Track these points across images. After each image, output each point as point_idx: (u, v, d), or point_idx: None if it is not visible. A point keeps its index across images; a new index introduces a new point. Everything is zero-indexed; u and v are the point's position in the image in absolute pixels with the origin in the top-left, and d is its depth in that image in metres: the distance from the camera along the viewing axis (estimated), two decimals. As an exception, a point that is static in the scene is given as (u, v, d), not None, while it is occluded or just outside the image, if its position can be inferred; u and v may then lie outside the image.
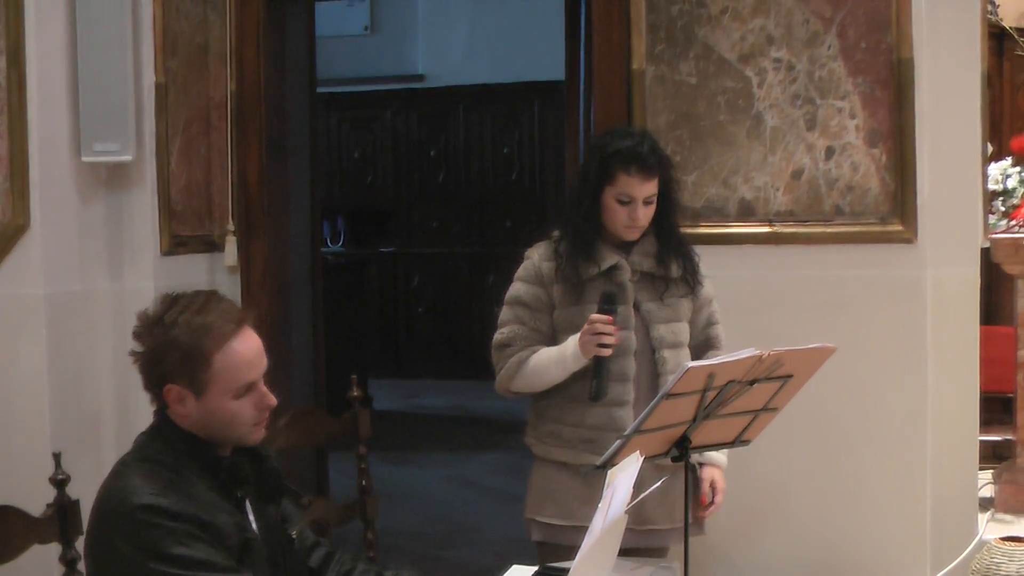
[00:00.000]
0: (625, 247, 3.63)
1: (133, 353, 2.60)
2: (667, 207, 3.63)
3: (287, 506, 2.81)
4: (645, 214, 3.55)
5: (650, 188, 3.53)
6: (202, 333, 2.53)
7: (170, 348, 2.52)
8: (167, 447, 2.56)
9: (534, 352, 3.58)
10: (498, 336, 3.65)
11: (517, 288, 3.66)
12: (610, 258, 3.58)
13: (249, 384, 2.58)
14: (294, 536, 2.78)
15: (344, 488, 6.09)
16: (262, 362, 2.62)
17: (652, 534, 3.61)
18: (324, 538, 2.99)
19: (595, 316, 3.43)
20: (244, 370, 2.57)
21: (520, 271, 3.68)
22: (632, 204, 3.52)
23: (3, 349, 4.48)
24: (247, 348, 2.58)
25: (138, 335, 2.58)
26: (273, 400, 2.63)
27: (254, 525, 2.66)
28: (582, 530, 3.47)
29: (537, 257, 3.66)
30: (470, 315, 11.71)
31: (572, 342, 3.50)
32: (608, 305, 3.46)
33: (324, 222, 10.72)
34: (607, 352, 3.43)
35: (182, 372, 2.52)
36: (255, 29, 4.98)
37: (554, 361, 3.55)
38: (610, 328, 3.42)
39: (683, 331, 3.69)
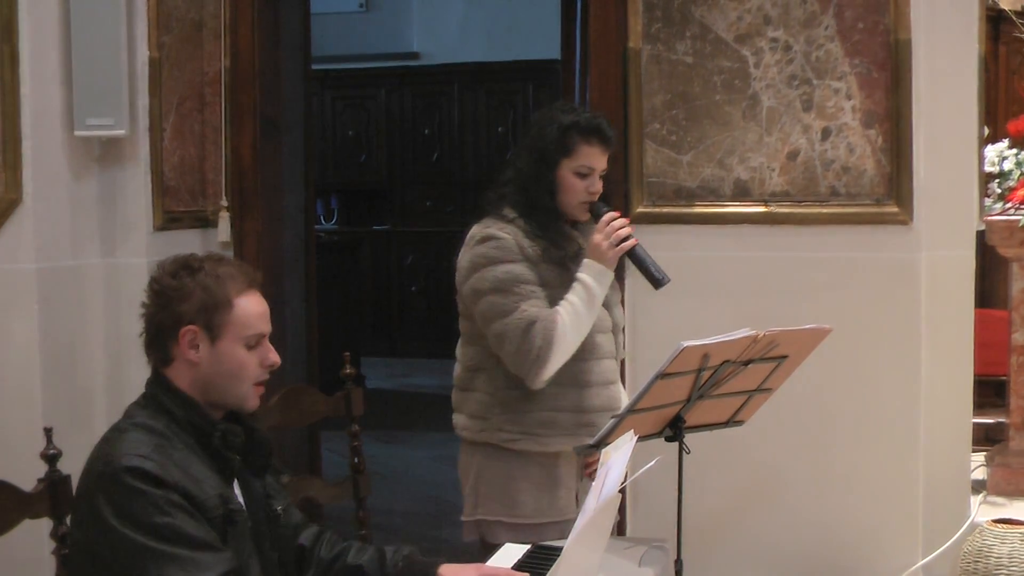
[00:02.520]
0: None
1: (145, 305, 2.64)
2: (606, 188, 3.54)
3: (271, 482, 2.81)
4: (600, 188, 3.48)
5: (605, 161, 3.48)
6: (225, 279, 2.62)
7: (196, 289, 2.59)
8: (159, 413, 2.58)
9: (556, 314, 3.35)
10: (517, 320, 3.34)
11: (508, 269, 3.38)
12: (577, 236, 3.52)
13: (260, 335, 2.66)
14: (280, 511, 2.78)
15: (336, 466, 6.10)
16: (269, 321, 2.71)
17: None
18: (311, 518, 2.98)
19: (607, 216, 3.38)
20: (258, 321, 2.66)
21: (494, 252, 3.40)
22: (591, 176, 3.45)
23: (-5, 324, 4.47)
24: (260, 301, 2.70)
25: (157, 282, 2.63)
26: (277, 359, 2.70)
27: (240, 498, 2.66)
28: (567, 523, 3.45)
29: (510, 236, 3.42)
30: (463, 295, 11.68)
31: (585, 274, 3.37)
32: (605, 207, 3.43)
33: (317, 200, 10.69)
34: (634, 241, 3.37)
35: (202, 314, 2.59)
36: (249, 5, 4.97)
37: (583, 302, 3.36)
38: (623, 219, 3.39)
39: (622, 313, 3.69)
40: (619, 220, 3.39)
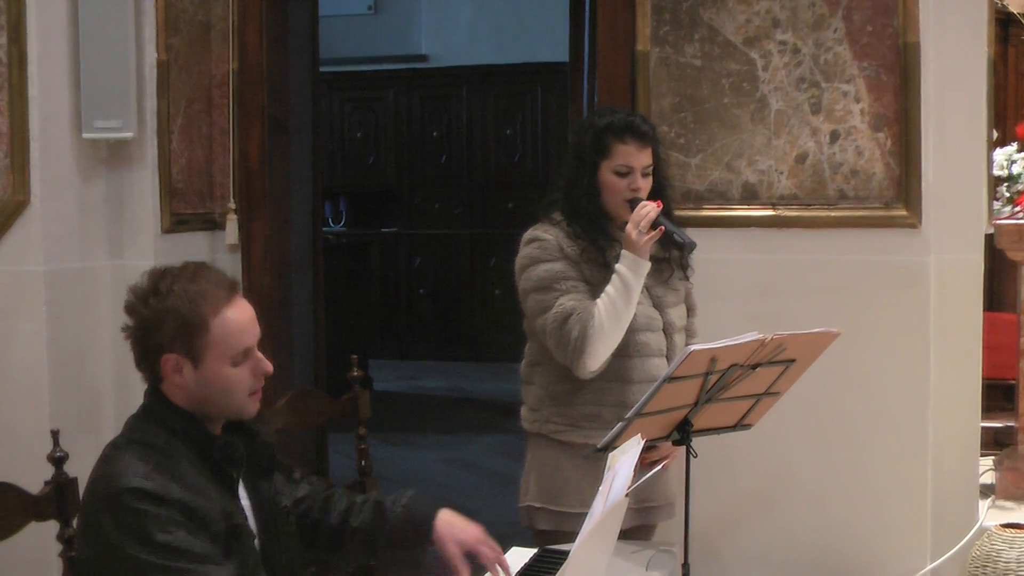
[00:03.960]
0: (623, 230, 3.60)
1: (126, 328, 2.58)
2: (659, 183, 3.61)
3: (279, 479, 2.80)
4: (644, 185, 3.52)
5: (646, 158, 3.52)
6: (198, 299, 2.52)
7: (167, 316, 2.50)
8: (158, 427, 2.55)
9: (595, 306, 3.44)
10: (555, 314, 3.45)
11: (549, 267, 3.51)
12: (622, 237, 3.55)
13: (246, 350, 2.57)
14: (287, 507, 2.78)
15: (344, 469, 6.09)
16: (256, 328, 2.61)
17: (649, 511, 3.64)
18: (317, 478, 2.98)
19: (638, 206, 3.42)
20: (240, 335, 2.56)
21: (537, 253, 3.54)
22: (631, 175, 3.50)
23: (2, 326, 4.47)
24: (242, 314, 2.58)
25: (132, 308, 2.56)
26: (269, 367, 2.62)
27: (246, 502, 2.65)
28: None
29: (552, 238, 3.54)
30: (471, 297, 11.70)
31: (620, 265, 3.43)
32: (641, 201, 3.47)
33: (326, 202, 10.70)
34: (661, 229, 3.40)
35: (179, 340, 2.51)
36: (258, 7, 4.96)
37: (619, 292, 3.42)
38: (651, 204, 3.42)
39: (684, 314, 3.73)
40: (647, 207, 3.42)
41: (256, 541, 2.63)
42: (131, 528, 2.39)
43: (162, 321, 2.51)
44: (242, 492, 2.66)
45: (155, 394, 2.59)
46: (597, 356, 3.45)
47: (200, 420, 2.57)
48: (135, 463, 2.45)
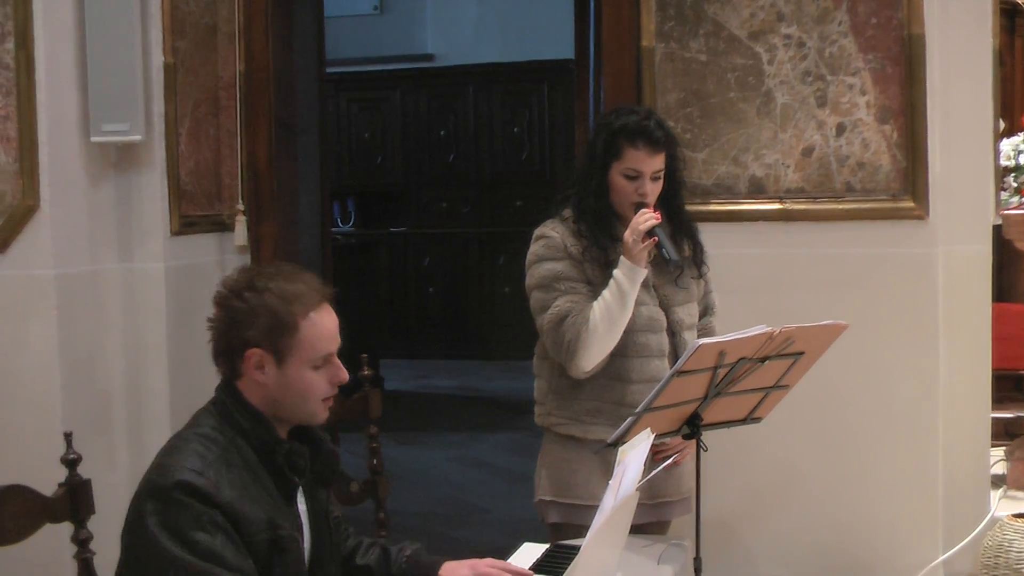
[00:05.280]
0: None
1: (212, 319, 2.61)
2: (673, 186, 3.62)
3: (333, 489, 2.83)
4: (653, 190, 3.52)
5: (657, 163, 3.51)
6: (293, 300, 2.57)
7: (261, 311, 2.55)
8: (226, 424, 2.57)
9: (591, 309, 3.46)
10: (551, 315, 3.48)
11: (551, 267, 3.53)
12: None
13: (328, 355, 2.62)
14: (338, 517, 2.80)
15: (355, 469, 6.08)
16: (339, 338, 2.68)
17: (664, 507, 3.64)
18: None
19: (637, 214, 3.42)
20: (326, 340, 2.62)
21: (542, 251, 3.56)
22: (640, 179, 3.50)
23: (13, 330, 4.49)
24: (330, 319, 2.65)
25: (223, 300, 2.59)
26: (346, 375, 2.68)
27: (303, 506, 2.67)
28: None
29: (558, 236, 3.55)
30: (480, 295, 11.70)
31: (618, 271, 3.43)
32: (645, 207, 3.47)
33: (334, 203, 10.71)
34: (654, 239, 3.40)
35: (268, 337, 2.55)
36: (264, 9, 4.97)
37: (614, 298, 3.43)
38: (650, 213, 3.42)
39: (696, 312, 3.72)
40: (645, 215, 3.41)
41: (307, 550, 2.64)
42: (171, 520, 2.41)
43: (256, 316, 2.55)
44: (300, 498, 2.67)
45: (229, 389, 2.61)
46: (590, 359, 3.46)
47: (269, 422, 2.59)
48: (193, 457, 2.48)
